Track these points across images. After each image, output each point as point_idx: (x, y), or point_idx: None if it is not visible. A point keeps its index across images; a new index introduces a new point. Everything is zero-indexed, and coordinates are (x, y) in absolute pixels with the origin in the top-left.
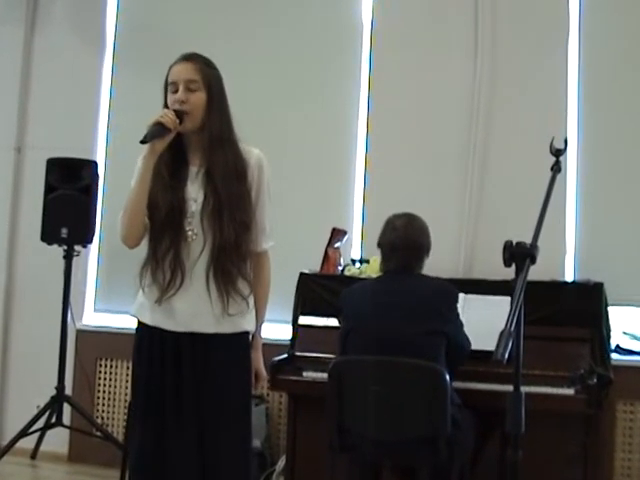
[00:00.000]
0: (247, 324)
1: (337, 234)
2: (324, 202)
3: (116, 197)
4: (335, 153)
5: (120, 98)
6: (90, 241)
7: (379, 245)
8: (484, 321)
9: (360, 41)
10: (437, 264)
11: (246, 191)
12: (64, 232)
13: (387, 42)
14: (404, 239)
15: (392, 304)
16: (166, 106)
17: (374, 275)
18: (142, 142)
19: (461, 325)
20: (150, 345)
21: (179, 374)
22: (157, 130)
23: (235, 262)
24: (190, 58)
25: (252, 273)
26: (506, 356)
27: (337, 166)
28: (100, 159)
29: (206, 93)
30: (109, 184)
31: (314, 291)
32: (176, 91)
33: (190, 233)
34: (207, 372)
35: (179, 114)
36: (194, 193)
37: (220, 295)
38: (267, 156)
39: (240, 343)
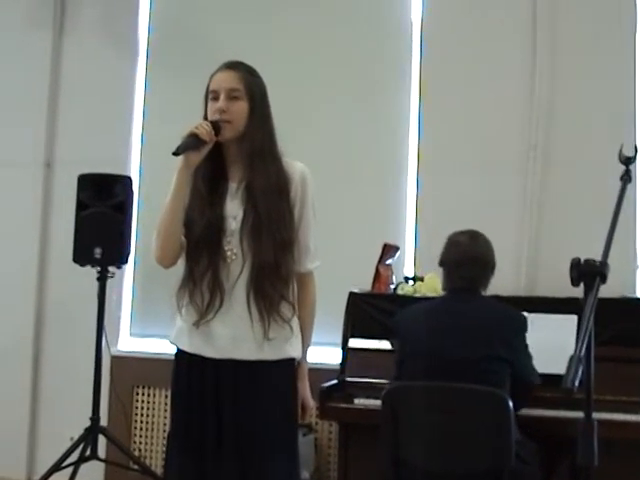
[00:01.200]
0: (292, 350)
1: (388, 250)
2: (374, 216)
3: (152, 214)
4: (385, 163)
5: (155, 108)
6: (125, 261)
7: (441, 263)
8: (549, 342)
9: (409, 41)
10: (497, 281)
11: (287, 208)
12: (97, 252)
13: (439, 42)
14: (469, 254)
15: (455, 326)
16: (206, 116)
17: (429, 294)
18: (174, 154)
19: (529, 358)
20: (189, 372)
21: (220, 404)
22: (191, 142)
23: (275, 284)
24: (233, 66)
25: (296, 295)
26: (576, 384)
27: (387, 177)
28: (134, 174)
29: (248, 103)
30: (144, 200)
31: (365, 311)
32: (217, 99)
33: (229, 253)
34: (249, 402)
35: (216, 125)
36: (234, 210)
37: (261, 319)
38: (311, 167)
39: (285, 371)
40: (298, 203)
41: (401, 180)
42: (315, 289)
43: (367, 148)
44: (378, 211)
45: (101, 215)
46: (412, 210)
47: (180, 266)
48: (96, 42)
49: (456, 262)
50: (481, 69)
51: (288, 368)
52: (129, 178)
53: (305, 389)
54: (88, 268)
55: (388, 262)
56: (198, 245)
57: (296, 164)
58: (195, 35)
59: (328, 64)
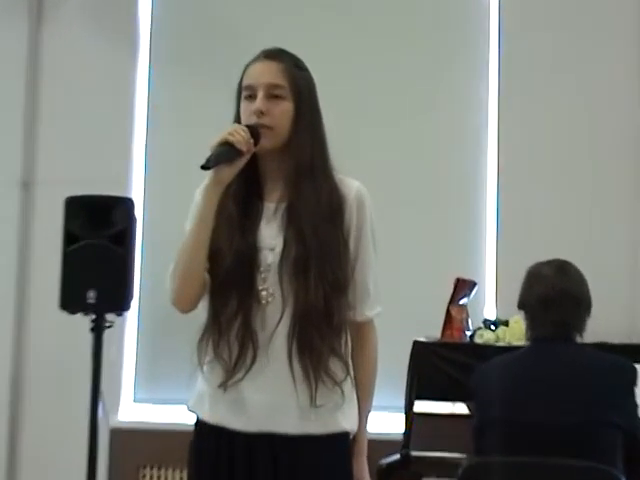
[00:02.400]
0: (345, 421)
1: (462, 287)
2: (444, 245)
3: (161, 246)
4: (458, 180)
5: (161, 113)
6: (127, 307)
7: (522, 305)
8: None
9: (486, 26)
10: (601, 327)
11: (342, 237)
12: (91, 296)
13: (519, 32)
14: (558, 290)
15: (544, 384)
16: (238, 119)
17: (516, 342)
18: (204, 167)
19: None
20: (215, 449)
21: None
22: (225, 152)
23: (325, 335)
24: (274, 56)
25: (350, 349)
26: None
27: (460, 197)
28: (137, 196)
29: (294, 103)
30: (150, 229)
31: (434, 365)
32: (253, 98)
33: (264, 293)
34: None
35: (254, 131)
36: (270, 238)
37: (306, 379)
38: (368, 186)
39: (335, 447)
40: (354, 231)
41: (477, 200)
42: (376, 342)
43: (435, 162)
44: (449, 238)
45: (96, 249)
46: (492, 237)
47: (200, 312)
48: (85, 33)
49: (542, 302)
50: (573, 62)
51: (340, 444)
52: (130, 200)
53: (361, 469)
54: (80, 316)
55: (462, 302)
56: (225, 283)
57: (351, 182)
58: (211, 21)
59: (388, 62)
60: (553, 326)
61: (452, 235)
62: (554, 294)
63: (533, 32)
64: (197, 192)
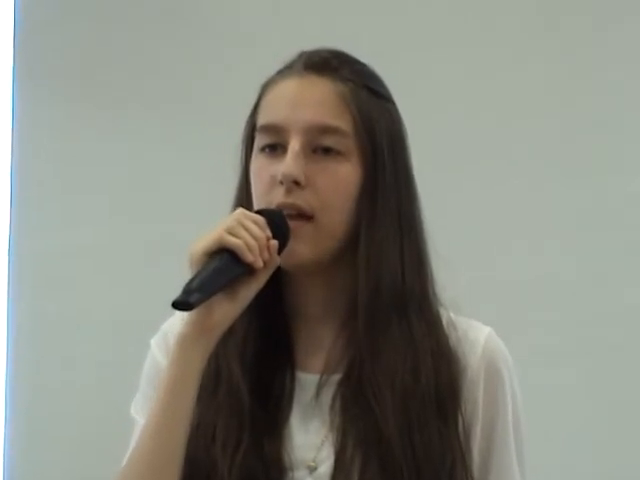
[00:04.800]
0: None
1: None
2: None
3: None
4: None
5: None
6: None
7: None
8: None
9: None
10: None
11: (458, 445)
12: None
13: None
14: None
15: None
16: (245, 196)
17: None
18: (179, 306)
19: None
20: None
21: None
22: (220, 271)
23: None
24: (327, 67)
25: None
26: None
27: None
28: None
29: (362, 167)
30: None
31: None
32: (278, 150)
33: None
34: None
35: (279, 224)
36: (308, 447)
37: None
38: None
39: None
40: (479, 428)
41: None
42: None
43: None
44: None
45: None
46: None
47: None
48: None
49: None
50: None
51: None
52: None
53: None
54: None
55: None
56: None
57: (474, 329)
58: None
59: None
60: None
61: None
62: None
63: None
64: (155, 343)
